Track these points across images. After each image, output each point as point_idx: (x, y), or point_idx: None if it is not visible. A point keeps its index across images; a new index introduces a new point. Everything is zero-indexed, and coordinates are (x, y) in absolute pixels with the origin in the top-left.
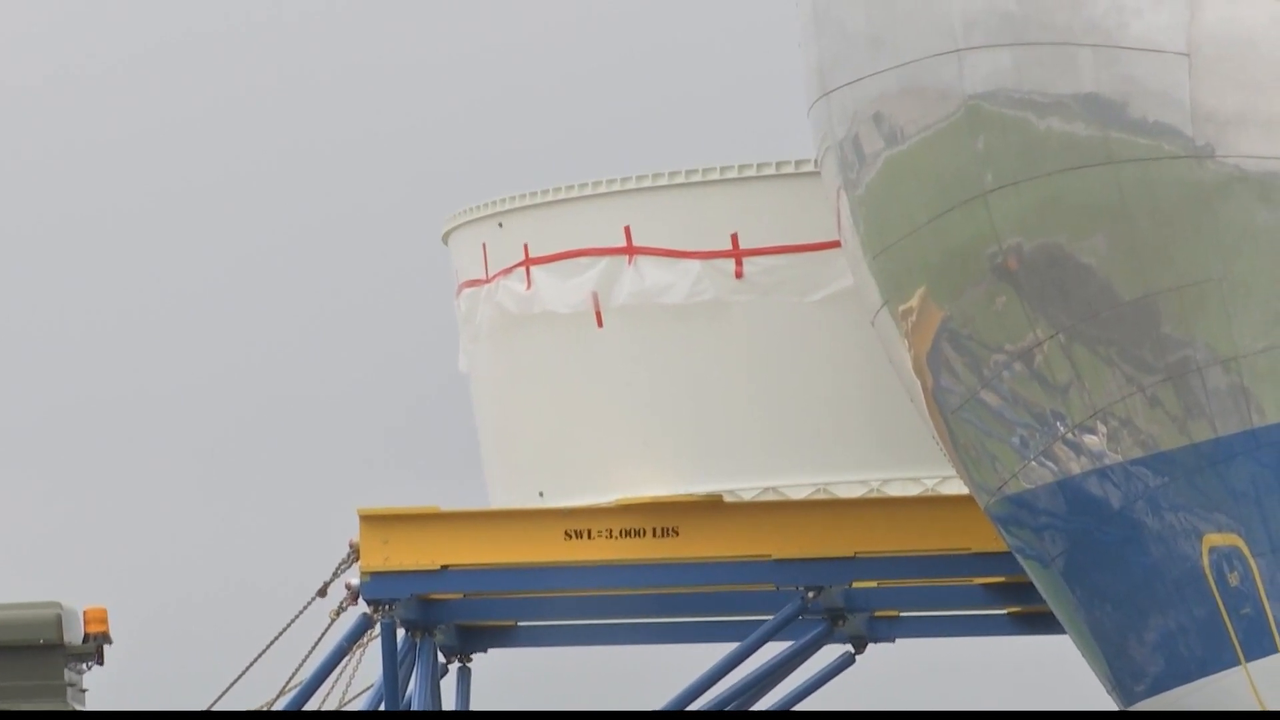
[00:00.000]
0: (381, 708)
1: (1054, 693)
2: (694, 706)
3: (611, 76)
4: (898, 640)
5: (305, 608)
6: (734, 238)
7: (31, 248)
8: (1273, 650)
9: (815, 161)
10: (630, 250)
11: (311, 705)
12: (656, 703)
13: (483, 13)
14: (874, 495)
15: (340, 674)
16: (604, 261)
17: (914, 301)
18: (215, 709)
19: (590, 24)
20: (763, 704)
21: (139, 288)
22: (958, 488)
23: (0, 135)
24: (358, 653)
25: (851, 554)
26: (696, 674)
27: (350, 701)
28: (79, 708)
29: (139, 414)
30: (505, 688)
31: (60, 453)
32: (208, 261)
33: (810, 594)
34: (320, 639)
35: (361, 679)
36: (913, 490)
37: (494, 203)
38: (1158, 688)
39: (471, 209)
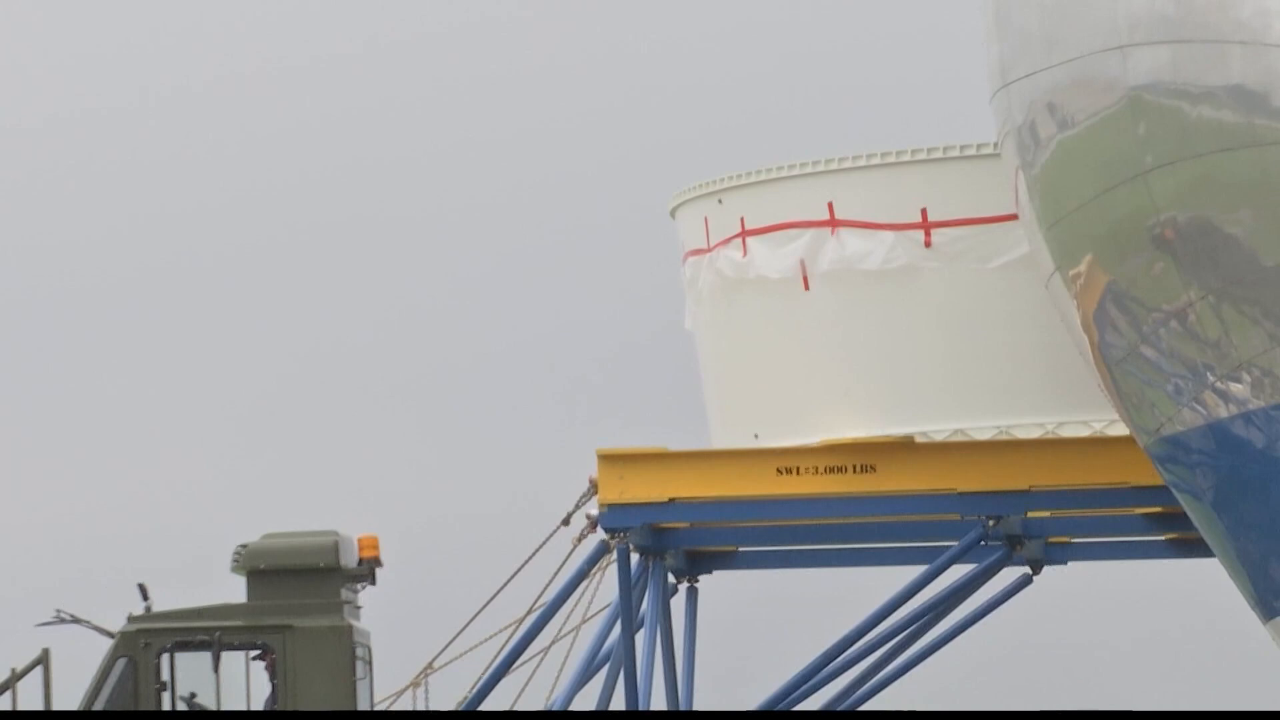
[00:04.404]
0: (617, 626)
1: (1205, 609)
2: (887, 622)
3: (820, 64)
4: (1070, 563)
5: (551, 535)
6: (924, 212)
7: (253, 217)
8: None
9: (996, 144)
10: (833, 223)
11: (554, 621)
12: (857, 618)
13: (712, 7)
14: (1049, 436)
15: (581, 594)
16: (810, 233)
17: (1082, 267)
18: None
19: (803, 17)
20: (949, 620)
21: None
22: (1122, 430)
23: (212, 114)
24: (597, 575)
25: (1027, 487)
26: (891, 593)
27: (591, 619)
28: (355, 623)
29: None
30: (728, 606)
31: (340, 394)
32: (488, 231)
33: (991, 522)
34: (564, 563)
35: (600, 599)
36: (1083, 432)
37: (714, 181)
38: None
39: (695, 187)
